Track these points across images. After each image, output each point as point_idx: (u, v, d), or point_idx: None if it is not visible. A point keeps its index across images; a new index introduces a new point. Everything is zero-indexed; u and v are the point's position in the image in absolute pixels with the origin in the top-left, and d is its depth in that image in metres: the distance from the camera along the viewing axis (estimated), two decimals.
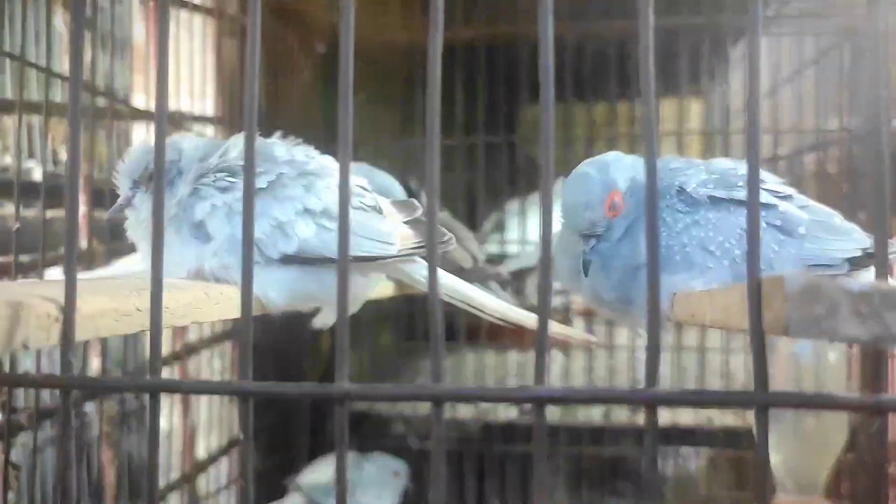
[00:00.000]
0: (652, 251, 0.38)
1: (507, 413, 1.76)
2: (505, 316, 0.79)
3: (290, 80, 1.73)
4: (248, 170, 0.45)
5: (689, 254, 0.68)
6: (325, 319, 0.82)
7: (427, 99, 0.41)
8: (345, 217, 0.43)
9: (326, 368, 1.84)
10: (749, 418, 1.66)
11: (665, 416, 1.73)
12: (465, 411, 1.78)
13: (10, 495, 1.06)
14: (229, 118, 1.57)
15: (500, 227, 1.84)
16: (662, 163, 0.73)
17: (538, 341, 0.39)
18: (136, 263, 0.87)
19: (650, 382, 0.38)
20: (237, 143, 0.73)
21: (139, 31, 1.41)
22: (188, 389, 0.56)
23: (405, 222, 0.77)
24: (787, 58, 1.70)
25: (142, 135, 1.34)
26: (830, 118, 1.65)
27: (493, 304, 0.80)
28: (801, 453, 1.39)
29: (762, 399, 0.37)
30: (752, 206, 0.36)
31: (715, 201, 0.69)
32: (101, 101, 1.19)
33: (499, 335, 1.80)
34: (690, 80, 1.82)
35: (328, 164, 0.75)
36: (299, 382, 0.44)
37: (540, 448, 0.39)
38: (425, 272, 0.78)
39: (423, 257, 0.77)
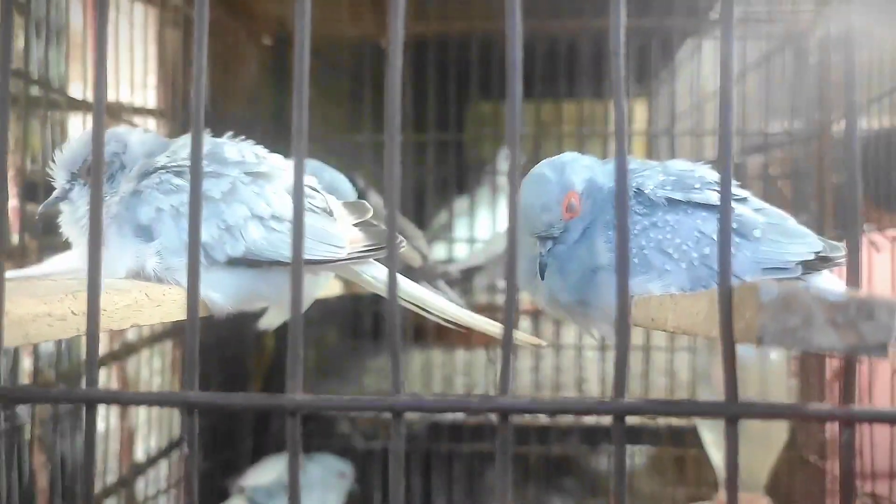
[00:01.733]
0: (622, 258, 0.36)
1: (453, 413, 1.75)
2: (458, 319, 0.78)
3: (237, 72, 1.69)
4: (195, 174, 0.42)
5: (647, 256, 0.67)
6: (272, 320, 0.79)
7: (387, 101, 0.39)
8: (299, 234, 0.40)
9: (271, 366, 1.80)
10: (692, 418, 1.68)
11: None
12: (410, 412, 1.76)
13: None
14: (171, 111, 1.52)
15: (448, 226, 1.83)
16: (611, 167, 0.72)
17: (503, 350, 0.37)
18: (70, 261, 0.84)
19: (618, 393, 0.36)
20: (187, 142, 0.70)
21: (77, 17, 1.36)
22: (127, 401, 0.52)
23: (355, 224, 0.75)
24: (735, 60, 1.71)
25: (78, 126, 1.29)
26: (774, 121, 1.68)
27: (446, 307, 0.78)
28: (744, 453, 1.41)
29: (734, 410, 0.36)
30: (725, 214, 0.35)
31: (672, 203, 0.69)
32: (36, 91, 1.14)
33: (446, 335, 1.79)
34: (637, 81, 1.83)
35: (278, 165, 0.72)
36: (247, 393, 0.42)
37: (503, 459, 0.37)
38: (375, 272, 0.77)
39: (378, 259, 0.75)
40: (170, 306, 0.58)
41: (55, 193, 0.70)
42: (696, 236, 0.67)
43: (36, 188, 1.10)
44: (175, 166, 0.67)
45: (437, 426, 1.78)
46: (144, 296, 0.55)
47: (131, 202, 0.66)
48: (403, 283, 0.76)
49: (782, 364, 1.46)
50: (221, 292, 0.66)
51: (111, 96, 1.37)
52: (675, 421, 1.71)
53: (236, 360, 1.69)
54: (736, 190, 0.72)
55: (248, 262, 0.67)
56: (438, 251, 1.75)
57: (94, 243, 0.38)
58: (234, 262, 0.67)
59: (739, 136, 1.70)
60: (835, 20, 1.49)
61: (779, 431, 1.43)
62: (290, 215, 0.67)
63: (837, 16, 1.47)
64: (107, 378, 1.36)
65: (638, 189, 0.70)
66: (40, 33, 1.19)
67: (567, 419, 1.74)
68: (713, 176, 0.72)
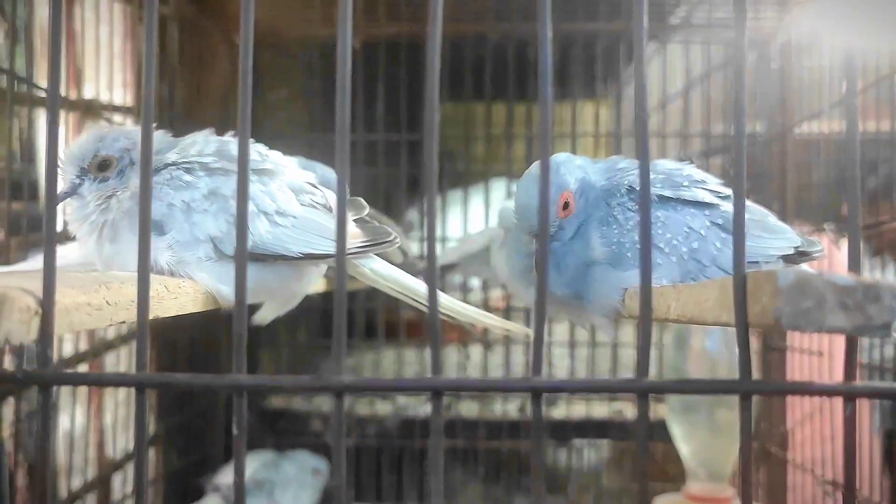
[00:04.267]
0: (645, 253, 0.39)
1: (425, 409, 1.78)
2: (454, 312, 0.80)
3: (209, 71, 1.69)
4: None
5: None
6: (266, 315, 0.81)
7: (427, 101, 0.41)
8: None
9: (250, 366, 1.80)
10: (659, 411, 1.73)
11: (580, 410, 1.79)
12: (383, 408, 1.79)
13: None
14: (137, 108, 1.52)
15: (419, 224, 1.85)
16: (609, 163, 0.75)
17: (536, 333, 0.40)
18: (70, 254, 0.84)
19: (642, 373, 0.39)
20: (196, 140, 0.72)
21: (44, 13, 1.35)
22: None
23: (353, 220, 0.78)
24: (696, 63, 1.77)
25: (44, 125, 1.28)
26: (722, 123, 1.74)
27: (447, 300, 0.81)
28: (711, 444, 1.46)
29: (747, 387, 0.39)
30: (738, 211, 0.38)
31: (663, 200, 0.72)
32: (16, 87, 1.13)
33: (417, 332, 1.81)
34: (602, 82, 1.87)
35: (280, 162, 0.74)
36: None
37: (538, 437, 0.40)
38: (374, 266, 0.80)
39: (377, 253, 0.77)
40: (184, 298, 0.60)
41: (64, 188, 0.71)
42: (685, 231, 0.71)
43: (20, 186, 1.10)
44: (185, 163, 0.69)
45: (408, 422, 1.80)
46: (164, 288, 0.56)
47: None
48: (403, 275, 0.79)
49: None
50: (230, 285, 0.67)
51: (89, 94, 1.37)
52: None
53: (209, 358, 1.69)
54: (720, 188, 0.76)
55: (255, 257, 0.69)
56: (412, 249, 1.77)
57: (143, 237, 0.40)
58: None
59: (703, 137, 1.75)
60: (796, 27, 1.55)
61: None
62: (293, 211, 0.69)
63: (799, 22, 1.53)
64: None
65: (630, 187, 0.73)
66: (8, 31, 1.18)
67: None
68: (699, 175, 0.76)
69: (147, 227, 0.40)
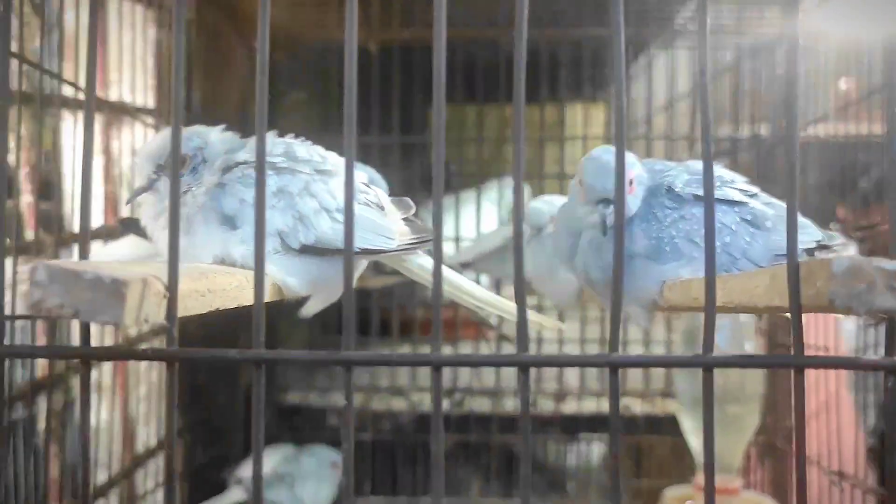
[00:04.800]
0: (709, 246, 0.43)
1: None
2: (492, 304, 0.84)
3: (228, 75, 1.73)
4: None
5: (678, 245, 0.75)
6: (312, 308, 0.85)
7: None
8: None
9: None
10: (665, 405, 1.78)
11: (591, 406, 1.83)
12: (398, 404, 1.83)
13: None
14: (167, 111, 1.56)
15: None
16: (648, 164, 0.80)
17: (613, 312, 0.44)
18: (121, 249, 0.89)
19: (707, 349, 0.44)
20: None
21: (70, 17, 1.38)
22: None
23: (403, 219, 0.82)
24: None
25: (70, 126, 1.31)
26: (742, 126, 1.79)
27: (483, 294, 0.85)
28: (721, 437, 1.51)
29: (801, 361, 0.43)
30: (791, 209, 0.43)
31: (698, 198, 0.77)
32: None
33: (450, 329, 1.84)
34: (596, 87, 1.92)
35: (338, 163, 0.79)
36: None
37: (615, 412, 0.44)
38: (422, 262, 0.84)
39: (425, 251, 0.82)
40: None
41: (141, 184, 0.74)
42: (718, 227, 0.75)
43: (50, 186, 1.13)
44: (255, 162, 0.73)
45: (423, 418, 1.84)
46: (245, 279, 0.61)
47: (216, 194, 0.71)
48: (453, 275, 0.84)
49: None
50: (296, 277, 0.72)
51: (114, 96, 1.40)
52: (649, 409, 1.80)
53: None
54: (748, 186, 0.80)
55: (317, 251, 0.73)
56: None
57: (259, 237, 0.44)
58: (305, 250, 0.73)
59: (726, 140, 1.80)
60: (802, 29, 1.60)
61: (752, 416, 1.53)
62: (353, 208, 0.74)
63: (804, 25, 1.58)
64: (111, 373, 1.39)
65: (669, 187, 0.77)
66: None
67: (547, 408, 1.82)
68: (729, 175, 0.81)
69: (262, 223, 0.44)
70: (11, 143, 1.15)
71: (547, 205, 1.16)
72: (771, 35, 1.71)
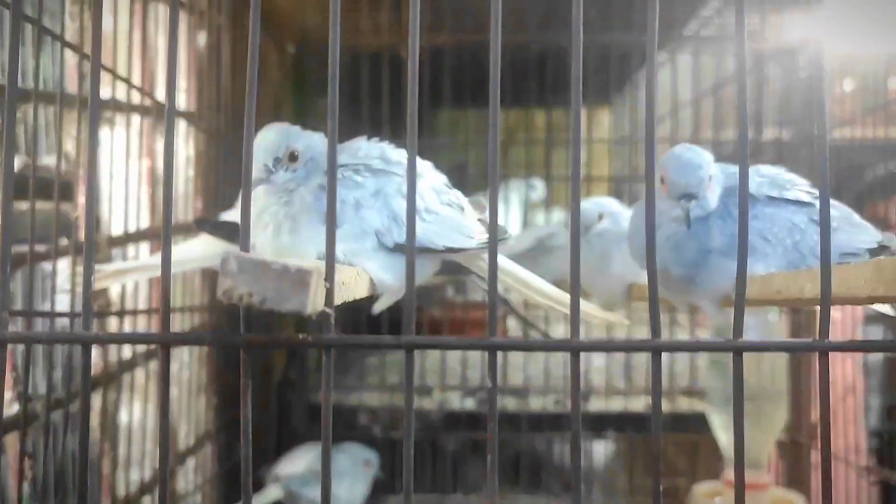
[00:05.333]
0: (824, 237, 0.47)
1: (466, 404, 1.85)
2: (553, 297, 0.87)
3: (262, 79, 1.75)
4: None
5: (752, 242, 0.78)
6: (382, 304, 0.87)
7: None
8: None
9: (287, 364, 1.88)
10: (696, 406, 1.81)
11: (618, 404, 1.86)
12: (428, 402, 1.85)
13: (25, 486, 1.05)
14: (200, 113, 1.58)
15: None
16: (721, 168, 0.83)
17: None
18: (206, 246, 0.91)
19: (823, 335, 0.47)
20: (360, 145, 0.79)
21: (108, 21, 1.40)
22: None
23: (479, 219, 0.85)
24: (709, 74, 1.87)
25: (105, 130, 1.33)
26: (752, 130, 1.83)
27: (546, 287, 0.88)
28: (750, 433, 1.54)
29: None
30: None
31: (769, 199, 0.81)
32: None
33: (461, 330, 1.88)
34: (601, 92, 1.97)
35: (425, 166, 0.82)
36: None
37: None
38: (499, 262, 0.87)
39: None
40: (362, 284, 0.67)
41: (257, 175, 0.75)
42: (789, 226, 0.79)
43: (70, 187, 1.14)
44: (353, 165, 0.76)
45: (453, 416, 1.87)
46: (356, 274, 0.64)
47: (319, 194, 0.74)
48: (524, 272, 0.87)
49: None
50: (390, 273, 0.74)
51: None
52: (667, 407, 1.84)
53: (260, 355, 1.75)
54: (812, 189, 0.84)
55: (405, 249, 0.75)
56: None
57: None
58: (397, 249, 0.75)
59: (713, 144, 1.84)
60: (819, 33, 1.63)
61: (780, 412, 1.57)
62: (437, 209, 0.77)
63: (820, 28, 1.62)
64: (144, 375, 1.41)
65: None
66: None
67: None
68: (792, 177, 0.85)
69: (412, 222, 0.47)
70: (70, 147, 1.17)
71: (594, 205, 1.20)
72: (793, 39, 1.75)
